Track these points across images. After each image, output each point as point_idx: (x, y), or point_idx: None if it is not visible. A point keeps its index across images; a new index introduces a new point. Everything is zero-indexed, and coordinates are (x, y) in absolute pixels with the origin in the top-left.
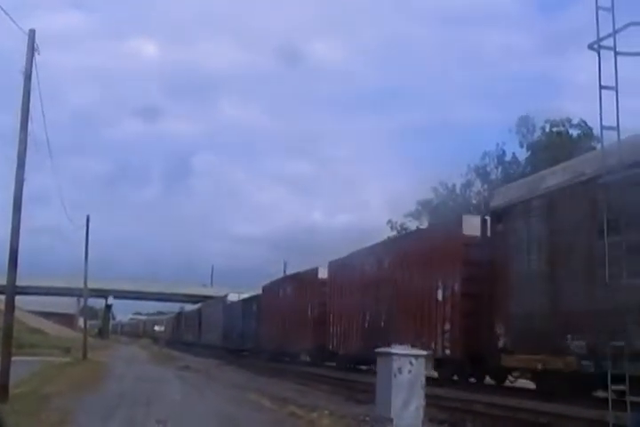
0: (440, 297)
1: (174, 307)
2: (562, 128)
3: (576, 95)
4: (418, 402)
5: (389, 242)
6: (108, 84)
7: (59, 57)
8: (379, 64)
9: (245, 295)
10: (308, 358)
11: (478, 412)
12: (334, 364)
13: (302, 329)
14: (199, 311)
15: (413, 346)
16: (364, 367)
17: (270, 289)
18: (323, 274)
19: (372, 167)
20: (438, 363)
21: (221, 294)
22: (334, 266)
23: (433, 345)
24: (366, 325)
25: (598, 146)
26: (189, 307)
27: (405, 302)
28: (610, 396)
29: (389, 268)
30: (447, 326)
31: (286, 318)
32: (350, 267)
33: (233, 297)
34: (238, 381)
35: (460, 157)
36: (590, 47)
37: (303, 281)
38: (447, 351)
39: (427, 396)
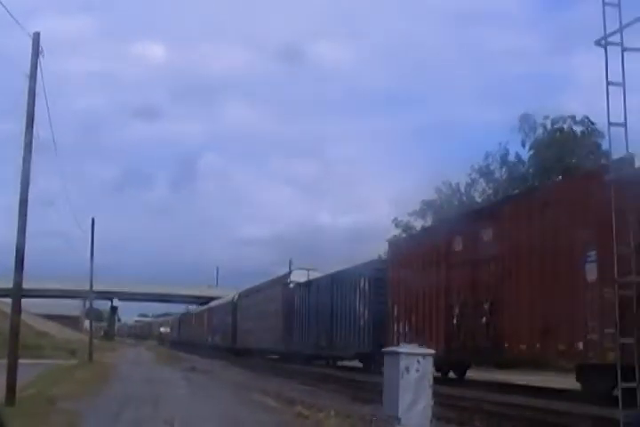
0: None
1: (180, 308)
2: (563, 125)
3: (578, 93)
4: (425, 401)
5: None
6: (112, 86)
7: (64, 60)
8: (381, 64)
9: (317, 273)
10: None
11: (486, 410)
12: None
13: (569, 306)
14: (233, 305)
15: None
16: None
17: (419, 241)
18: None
19: (375, 168)
20: None
21: (226, 294)
22: None
23: None
24: None
25: (603, 142)
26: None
27: None
28: (620, 394)
29: None
30: None
31: (492, 290)
32: None
33: (299, 275)
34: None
35: (463, 157)
36: (597, 43)
37: (553, 201)
38: None
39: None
